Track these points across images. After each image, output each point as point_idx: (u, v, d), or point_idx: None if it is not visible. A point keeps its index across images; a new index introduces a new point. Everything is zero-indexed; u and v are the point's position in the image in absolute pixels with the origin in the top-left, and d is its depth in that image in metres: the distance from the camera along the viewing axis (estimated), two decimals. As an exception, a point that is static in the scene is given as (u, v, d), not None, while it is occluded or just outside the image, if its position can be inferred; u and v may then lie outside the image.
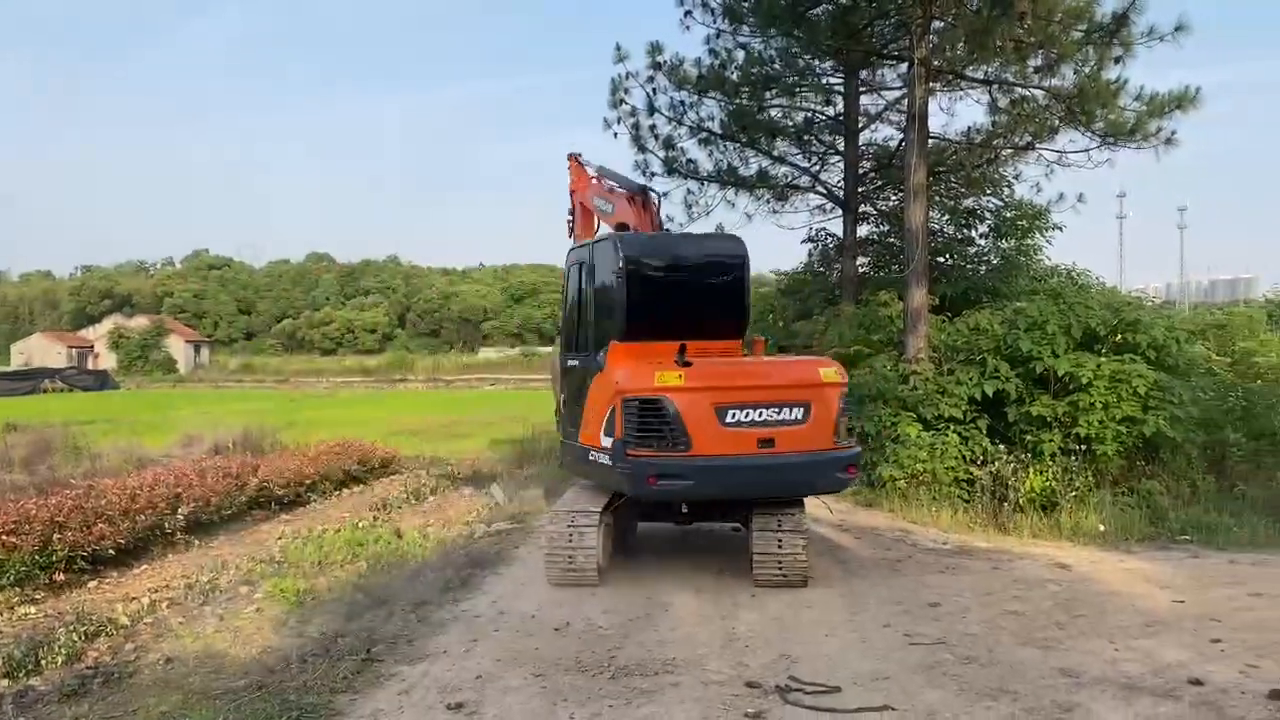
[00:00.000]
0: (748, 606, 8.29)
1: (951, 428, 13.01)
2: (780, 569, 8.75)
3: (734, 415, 8.32)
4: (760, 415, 8.35)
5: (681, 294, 9.12)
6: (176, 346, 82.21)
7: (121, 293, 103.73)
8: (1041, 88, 15.51)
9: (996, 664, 6.70)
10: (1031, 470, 12.34)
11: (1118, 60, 14.34)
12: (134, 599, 8.94)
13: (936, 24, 14.63)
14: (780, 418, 8.38)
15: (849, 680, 6.36)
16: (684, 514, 9.63)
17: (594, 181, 11.47)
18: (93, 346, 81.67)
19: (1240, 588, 8.72)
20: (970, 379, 13.31)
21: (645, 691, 6.24)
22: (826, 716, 5.80)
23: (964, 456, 12.85)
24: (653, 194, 10.52)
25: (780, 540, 8.70)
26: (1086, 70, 14.67)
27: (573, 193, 12.18)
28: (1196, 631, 7.35)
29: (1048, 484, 12.19)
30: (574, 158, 12.09)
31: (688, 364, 8.40)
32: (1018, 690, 6.15)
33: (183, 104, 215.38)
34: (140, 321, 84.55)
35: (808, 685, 6.26)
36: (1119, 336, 13.33)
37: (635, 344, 8.82)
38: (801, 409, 8.43)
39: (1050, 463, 12.40)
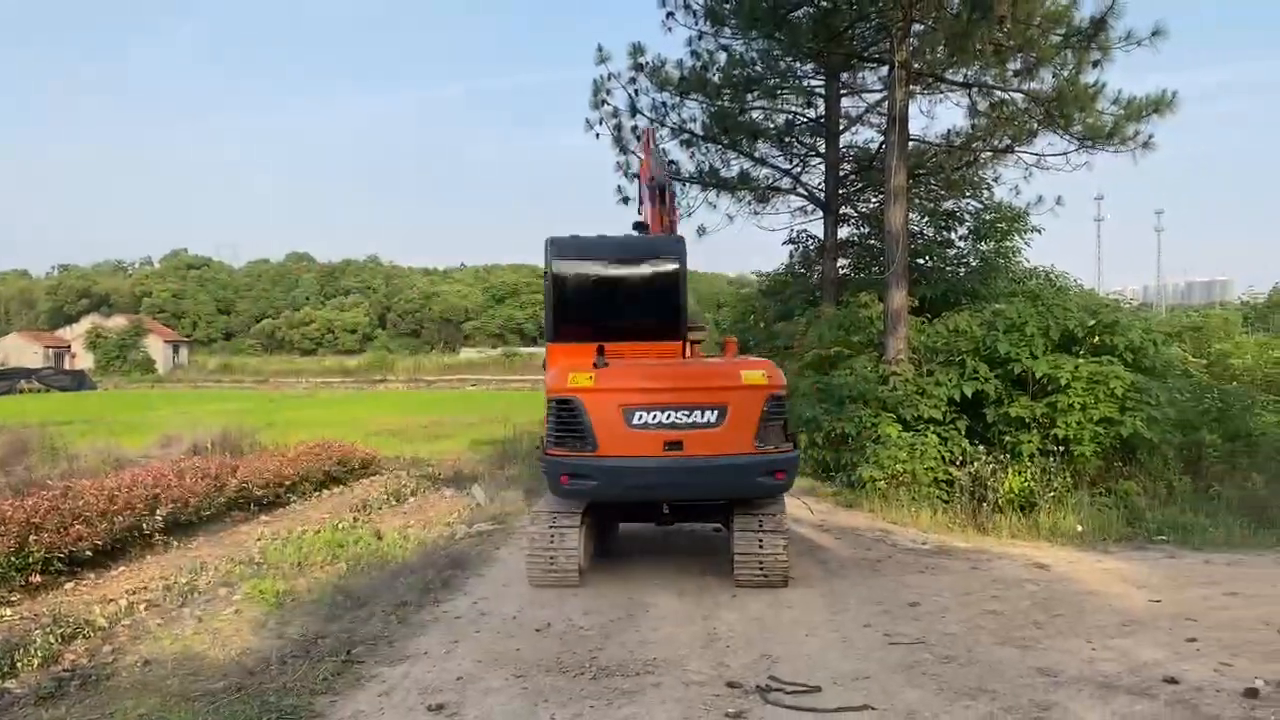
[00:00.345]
0: (729, 607, 8.31)
1: (931, 428, 13.10)
2: (761, 569, 8.78)
3: (641, 417, 8.30)
4: (669, 417, 8.28)
5: (614, 296, 9.06)
6: (155, 346, 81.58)
7: (99, 292, 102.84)
8: (1020, 91, 15.63)
9: (975, 663, 6.74)
10: (1010, 471, 12.43)
11: (1096, 64, 14.48)
12: (112, 601, 8.87)
13: (917, 27, 14.72)
14: (691, 420, 8.28)
15: (829, 680, 6.38)
16: (665, 515, 9.64)
17: (650, 166, 11.29)
18: (70, 346, 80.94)
19: (1215, 587, 8.80)
20: (949, 380, 13.40)
21: (626, 692, 6.25)
22: (807, 716, 5.81)
23: (943, 457, 12.93)
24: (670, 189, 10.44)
25: (761, 540, 8.72)
26: (1065, 74, 14.79)
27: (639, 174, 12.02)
28: (1172, 631, 7.42)
29: (1026, 484, 12.29)
30: (648, 132, 11.94)
31: (605, 365, 8.48)
32: (996, 689, 6.19)
33: (162, 103, 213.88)
34: (118, 321, 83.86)
35: (788, 685, 6.28)
36: (1097, 338, 13.45)
37: (570, 345, 8.88)
38: (715, 412, 8.27)
39: (1028, 463, 12.50)
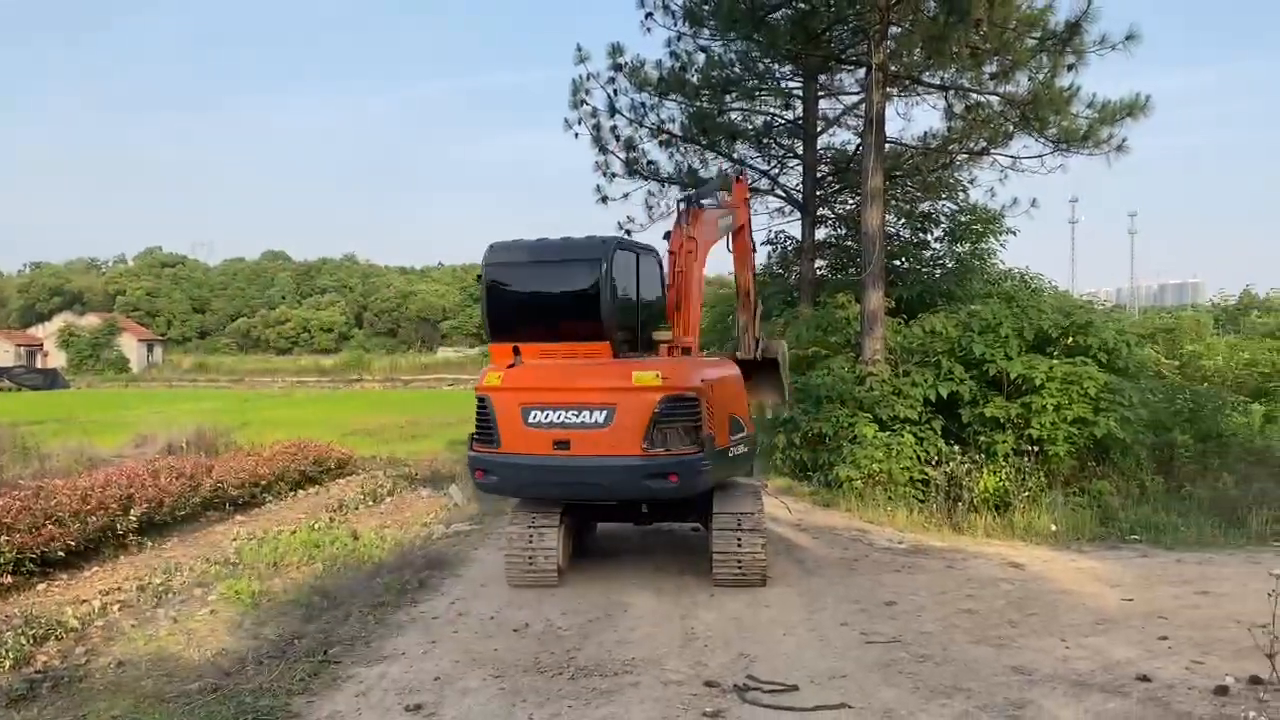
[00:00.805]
0: (706, 606, 8.33)
1: (907, 429, 13.17)
2: (739, 568, 8.81)
3: (535, 416, 8.46)
4: (559, 417, 8.38)
5: (540, 298, 9.11)
6: (129, 345, 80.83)
7: (72, 290, 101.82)
8: (996, 94, 15.76)
9: (951, 662, 6.79)
10: (985, 471, 12.52)
11: (1071, 68, 14.63)
12: (84, 601, 8.79)
13: (894, 30, 14.79)
14: (579, 420, 8.33)
15: (806, 679, 6.41)
16: (643, 515, 9.67)
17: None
18: (42, 345, 79.97)
19: (1187, 586, 8.90)
20: (925, 381, 13.47)
21: (604, 692, 6.26)
22: (784, 715, 5.84)
23: (919, 457, 13.01)
24: (699, 204, 10.39)
25: (740, 540, 8.76)
26: (1040, 77, 14.93)
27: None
28: (1145, 629, 7.50)
29: (1001, 484, 12.38)
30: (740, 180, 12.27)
31: (516, 365, 8.70)
32: (971, 688, 6.24)
33: (136, 98, 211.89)
34: (91, 320, 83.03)
35: (766, 684, 6.30)
36: (1070, 339, 13.56)
37: (505, 345, 8.99)
38: (604, 413, 8.27)
39: (1003, 463, 12.59)
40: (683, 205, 9.86)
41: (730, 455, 9.01)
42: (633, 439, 8.18)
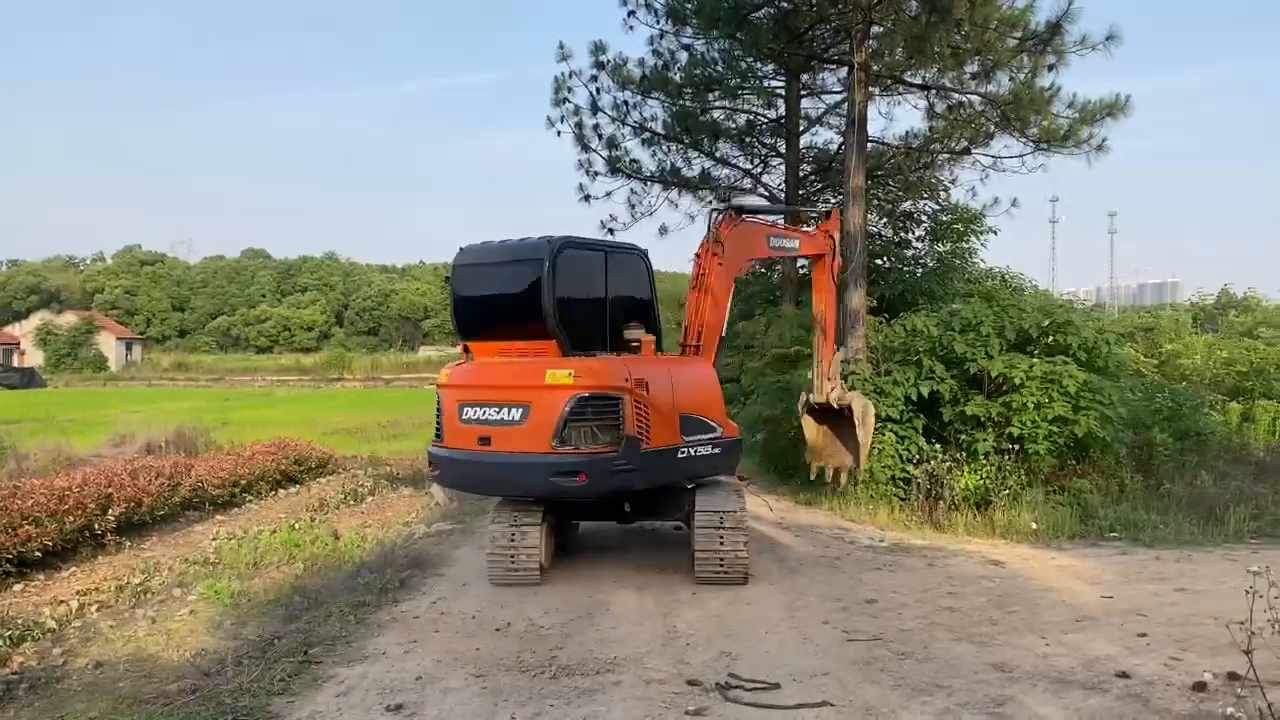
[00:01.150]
0: (688, 604, 8.34)
1: (888, 427, 13.19)
2: (721, 566, 8.82)
3: (467, 413, 8.78)
4: (484, 414, 8.66)
5: (494, 299, 9.31)
6: (107, 344, 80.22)
7: (49, 288, 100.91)
8: (977, 94, 15.83)
9: (932, 659, 6.82)
10: (966, 469, 12.57)
11: (1051, 68, 14.70)
12: (62, 602, 8.70)
13: (876, 29, 14.84)
14: (499, 418, 8.57)
15: (788, 677, 6.42)
16: (626, 514, 9.67)
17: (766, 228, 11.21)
18: (19, 343, 79.26)
19: (1166, 583, 8.96)
20: (907, 379, 13.50)
21: (586, 690, 6.25)
22: (766, 713, 5.84)
23: (900, 455, 13.04)
24: (737, 212, 10.38)
25: (722, 538, 8.77)
26: (1021, 77, 14.99)
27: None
28: (1124, 626, 7.55)
29: (981, 482, 12.44)
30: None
31: (462, 363, 9.28)
32: (952, 685, 6.26)
33: (115, 96, 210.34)
34: (69, 318, 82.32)
35: (747, 682, 6.31)
36: (1051, 338, 13.61)
37: (473, 344, 9.40)
38: (520, 410, 8.45)
39: (984, 462, 12.64)
40: (717, 212, 10.04)
41: (682, 456, 8.89)
42: (544, 437, 8.28)
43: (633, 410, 8.38)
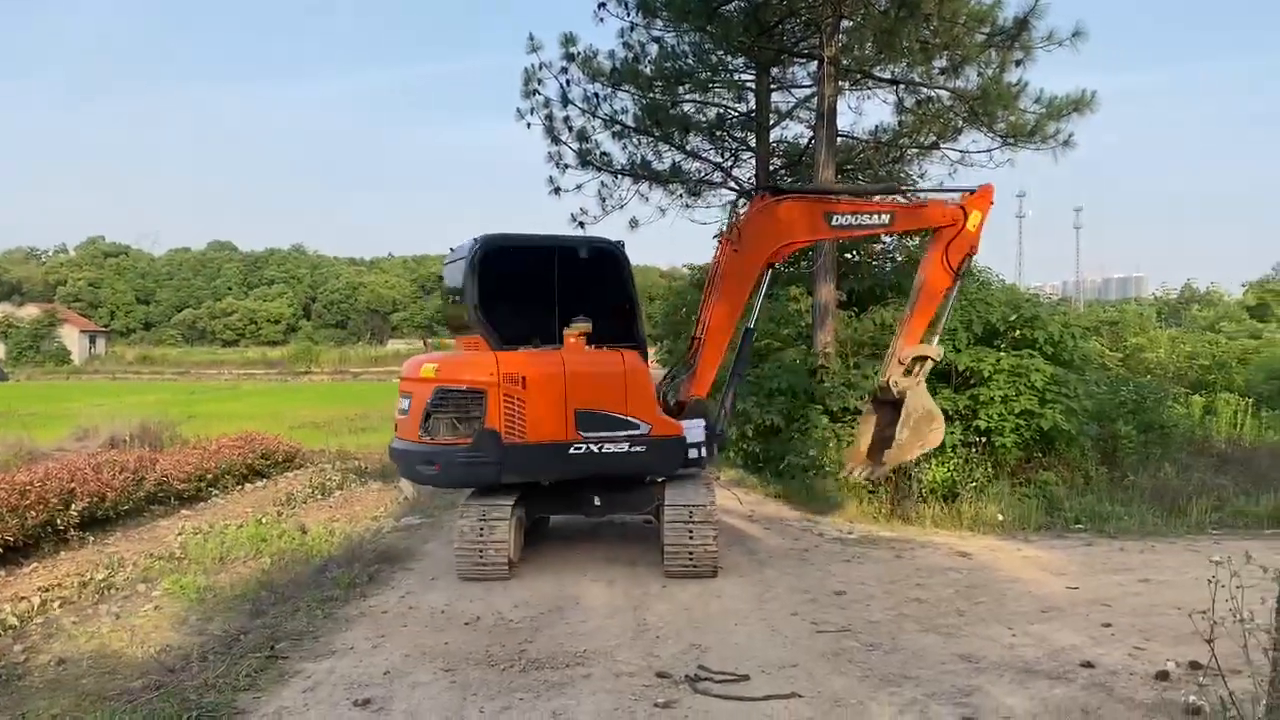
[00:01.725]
0: (658, 597, 8.34)
1: (858, 420, 13.25)
2: (691, 559, 8.83)
3: (399, 403, 9.41)
4: (401, 404, 9.30)
5: (450, 292, 9.95)
6: (70, 337, 79.11)
7: (10, 280, 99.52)
8: (946, 89, 15.89)
9: (900, 650, 6.86)
10: (933, 462, 12.65)
11: (1019, 63, 14.79)
12: (23, 598, 8.56)
13: (846, 24, 14.87)
14: (402, 408, 9.24)
15: (757, 668, 6.44)
16: (596, 507, 9.64)
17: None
18: (-22, 336, 78.13)
19: (1130, 574, 9.08)
20: (875, 373, 13.56)
21: (556, 684, 6.23)
22: (736, 705, 5.86)
23: (869, 448, 13.10)
24: (767, 193, 9.95)
25: (691, 531, 8.77)
26: (989, 72, 15.08)
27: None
28: (1089, 616, 7.64)
29: (949, 475, 12.54)
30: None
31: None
32: (920, 675, 6.30)
33: (78, 84, 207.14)
34: (31, 310, 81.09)
35: (717, 674, 6.32)
36: (1018, 332, 13.73)
37: (455, 337, 10.30)
38: (407, 401, 9.13)
39: (951, 454, 12.73)
40: (743, 198, 10.06)
41: (576, 452, 8.72)
42: (415, 426, 8.86)
43: (500, 405, 8.57)
